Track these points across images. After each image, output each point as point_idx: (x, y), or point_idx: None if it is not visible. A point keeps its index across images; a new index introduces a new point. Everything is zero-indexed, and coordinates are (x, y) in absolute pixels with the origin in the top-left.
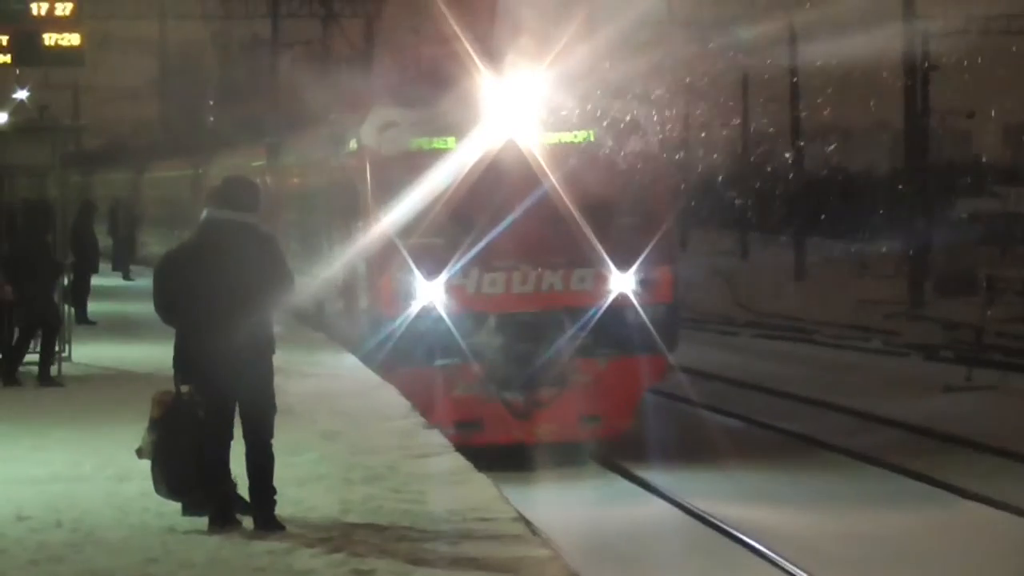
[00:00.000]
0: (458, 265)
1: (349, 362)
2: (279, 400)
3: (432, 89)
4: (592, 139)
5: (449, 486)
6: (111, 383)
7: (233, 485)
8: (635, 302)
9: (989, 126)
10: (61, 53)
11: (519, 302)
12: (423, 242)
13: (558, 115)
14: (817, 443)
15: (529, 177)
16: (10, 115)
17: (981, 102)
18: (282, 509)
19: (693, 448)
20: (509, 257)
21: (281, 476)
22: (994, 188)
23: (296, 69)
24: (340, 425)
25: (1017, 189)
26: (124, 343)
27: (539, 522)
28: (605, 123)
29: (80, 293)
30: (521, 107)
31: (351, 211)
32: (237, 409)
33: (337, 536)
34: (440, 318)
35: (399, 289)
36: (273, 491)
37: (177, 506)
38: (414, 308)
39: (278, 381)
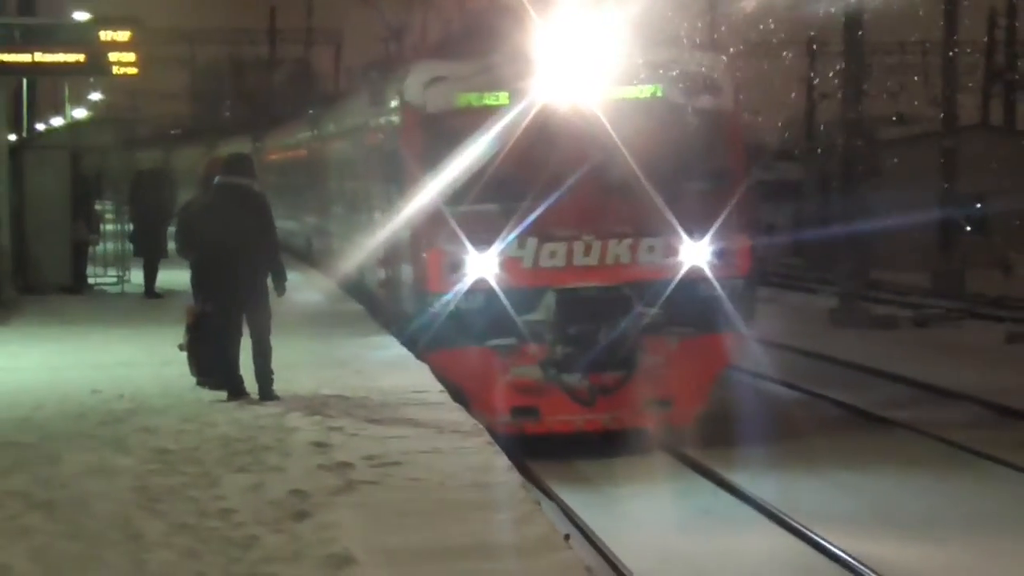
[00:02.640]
0: (513, 235)
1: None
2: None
3: (482, 40)
4: (660, 94)
5: (396, 370)
6: (156, 298)
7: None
8: (709, 275)
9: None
10: (121, 67)
11: (581, 276)
12: (473, 210)
13: (622, 67)
14: (938, 438)
15: (591, 136)
16: (87, 111)
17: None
18: (276, 386)
19: (784, 441)
20: (570, 226)
21: (275, 364)
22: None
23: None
24: (317, 330)
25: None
26: (164, 269)
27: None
28: (674, 76)
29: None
30: (581, 58)
31: (394, 176)
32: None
33: (316, 404)
34: (493, 294)
35: (447, 262)
36: (270, 372)
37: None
38: (464, 283)
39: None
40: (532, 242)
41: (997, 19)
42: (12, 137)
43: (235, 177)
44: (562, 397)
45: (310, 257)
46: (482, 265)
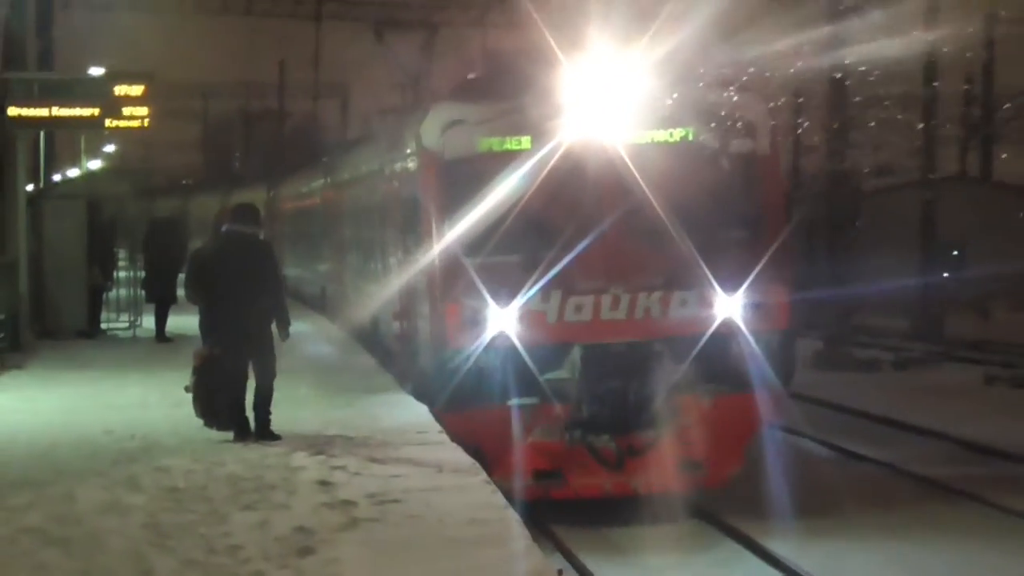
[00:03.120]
0: (536, 288)
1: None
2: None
3: (503, 82)
4: (691, 138)
5: (396, 409)
6: (166, 343)
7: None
8: (745, 329)
9: None
10: (135, 119)
11: (609, 331)
12: (494, 261)
13: (651, 109)
14: (910, 473)
15: (619, 183)
16: (103, 162)
17: None
18: (283, 426)
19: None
20: (597, 278)
21: (282, 401)
22: None
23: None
24: (323, 372)
25: None
26: (174, 314)
27: None
28: (706, 118)
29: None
30: (608, 100)
31: (411, 225)
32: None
33: (321, 443)
34: (514, 350)
35: (466, 316)
36: (269, 413)
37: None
38: (484, 338)
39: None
40: (557, 295)
41: (974, 75)
42: (30, 187)
43: (242, 226)
44: (588, 460)
45: (323, 306)
46: (503, 319)
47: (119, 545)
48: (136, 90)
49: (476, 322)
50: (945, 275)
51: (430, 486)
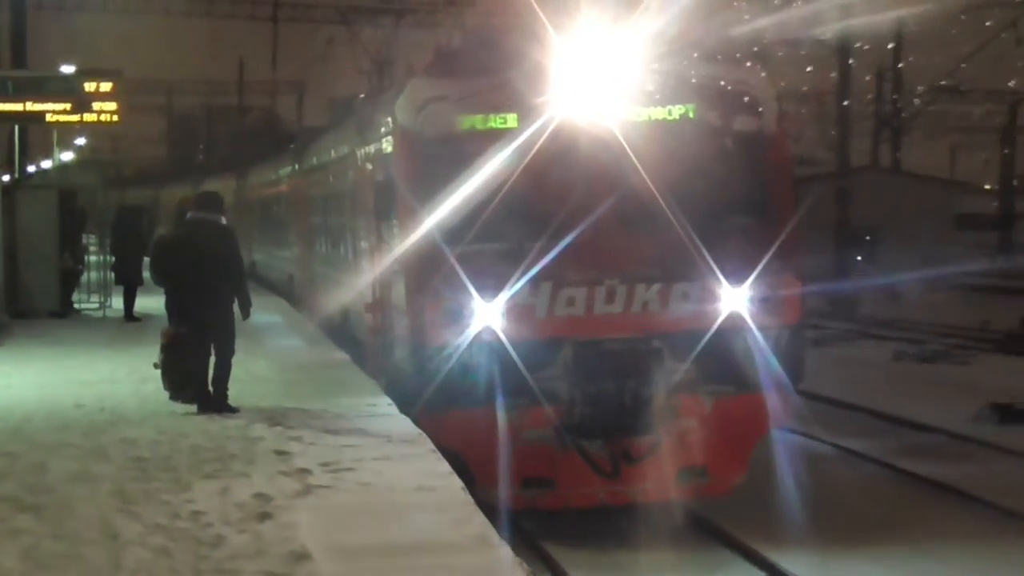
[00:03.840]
0: (524, 279)
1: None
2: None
3: (486, 55)
4: (692, 115)
5: (349, 387)
6: (134, 322)
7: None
8: (752, 324)
9: None
10: (104, 114)
11: (603, 326)
12: (478, 249)
13: (648, 84)
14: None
15: (614, 165)
16: (74, 154)
17: None
18: (245, 400)
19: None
20: (590, 269)
21: (242, 378)
22: None
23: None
24: (282, 351)
25: None
26: (141, 296)
27: None
28: (708, 94)
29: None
30: (601, 74)
31: (385, 210)
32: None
33: (278, 416)
34: (501, 347)
35: (447, 310)
36: (227, 387)
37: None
38: (467, 335)
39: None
40: (547, 287)
41: (884, 72)
42: (6, 178)
43: (204, 213)
44: (581, 466)
45: (291, 294)
46: (488, 313)
47: (88, 511)
48: (105, 86)
49: (458, 316)
50: (858, 258)
51: (380, 455)
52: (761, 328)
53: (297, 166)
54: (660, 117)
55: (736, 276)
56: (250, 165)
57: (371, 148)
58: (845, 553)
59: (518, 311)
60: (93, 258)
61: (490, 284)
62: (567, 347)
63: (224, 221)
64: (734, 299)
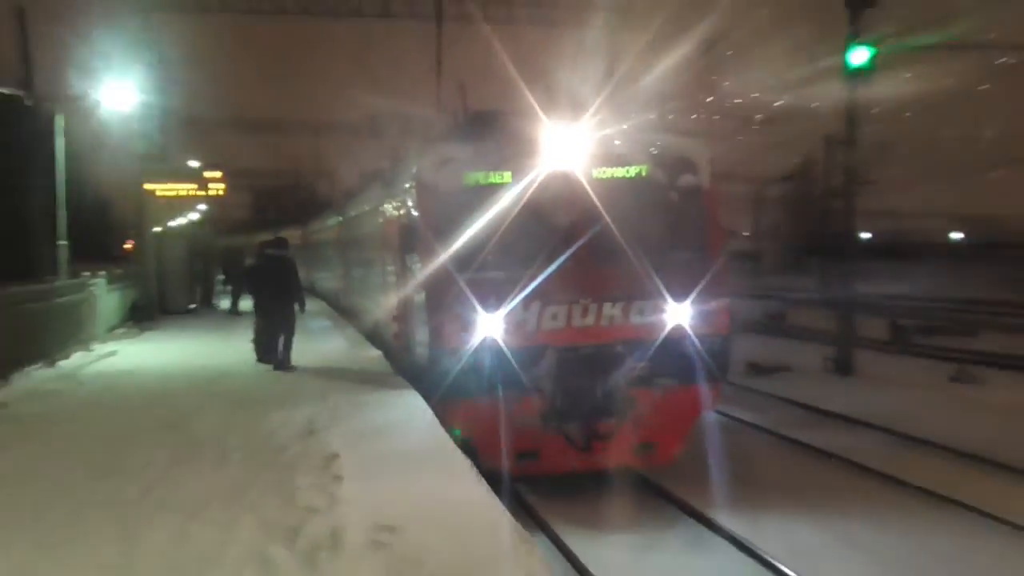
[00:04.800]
0: (518, 299)
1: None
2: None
3: (485, 127)
4: (644, 174)
5: (372, 364)
6: (232, 319)
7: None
8: (692, 333)
9: None
10: (215, 191)
11: (579, 335)
12: (482, 276)
13: (611, 150)
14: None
15: (586, 211)
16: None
17: None
18: (303, 365)
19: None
20: (569, 291)
21: (301, 353)
22: None
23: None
24: (328, 341)
25: None
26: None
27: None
28: (656, 157)
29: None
30: (574, 142)
31: (412, 247)
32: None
33: (322, 375)
34: (500, 351)
35: (459, 323)
36: (290, 355)
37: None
38: (474, 341)
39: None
40: (535, 305)
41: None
42: (157, 229)
43: (275, 250)
44: (561, 443)
45: (338, 306)
46: (490, 326)
47: (206, 430)
48: (216, 174)
49: (467, 328)
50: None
51: (387, 400)
52: (699, 336)
53: (340, 217)
54: (621, 175)
55: (680, 296)
56: (309, 218)
57: (398, 199)
58: (745, 491)
59: (514, 323)
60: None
61: (492, 303)
62: (550, 352)
63: (288, 255)
64: (678, 314)
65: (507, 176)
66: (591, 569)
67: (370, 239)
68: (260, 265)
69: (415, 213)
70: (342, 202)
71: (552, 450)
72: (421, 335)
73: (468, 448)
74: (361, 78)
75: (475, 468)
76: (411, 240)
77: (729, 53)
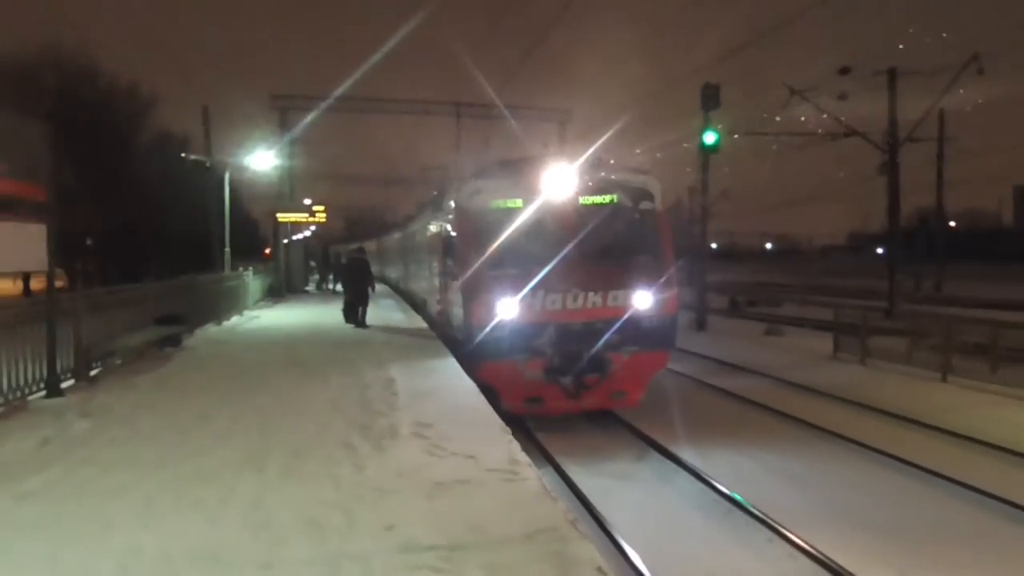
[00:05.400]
0: (528, 289)
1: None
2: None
3: (504, 169)
4: (616, 201)
5: (420, 329)
6: (325, 299)
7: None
8: (650, 313)
9: None
10: (320, 217)
11: (571, 315)
12: (504, 273)
13: (593, 184)
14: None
15: (576, 227)
16: (309, 232)
17: None
18: (375, 325)
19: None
20: (564, 284)
21: (374, 319)
22: None
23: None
24: (392, 315)
25: None
26: (337, 293)
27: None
28: (623, 189)
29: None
30: (567, 178)
31: (453, 252)
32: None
33: (388, 332)
34: (515, 326)
35: (487, 306)
36: (365, 318)
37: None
38: (497, 319)
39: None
40: (540, 294)
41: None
42: (285, 241)
43: (358, 254)
44: (558, 391)
45: (400, 292)
46: (509, 309)
47: (315, 365)
48: (320, 207)
49: (492, 310)
50: None
51: (428, 350)
52: (655, 316)
53: (402, 232)
54: (600, 202)
55: (643, 288)
56: (381, 234)
57: (442, 218)
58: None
59: (526, 306)
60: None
61: (510, 292)
62: (551, 327)
63: (364, 257)
64: (642, 300)
65: (519, 202)
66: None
67: (421, 246)
68: (348, 263)
69: (454, 228)
70: (403, 223)
71: (551, 397)
72: (459, 315)
73: (492, 393)
74: (413, 144)
75: (480, 391)
76: (451, 247)
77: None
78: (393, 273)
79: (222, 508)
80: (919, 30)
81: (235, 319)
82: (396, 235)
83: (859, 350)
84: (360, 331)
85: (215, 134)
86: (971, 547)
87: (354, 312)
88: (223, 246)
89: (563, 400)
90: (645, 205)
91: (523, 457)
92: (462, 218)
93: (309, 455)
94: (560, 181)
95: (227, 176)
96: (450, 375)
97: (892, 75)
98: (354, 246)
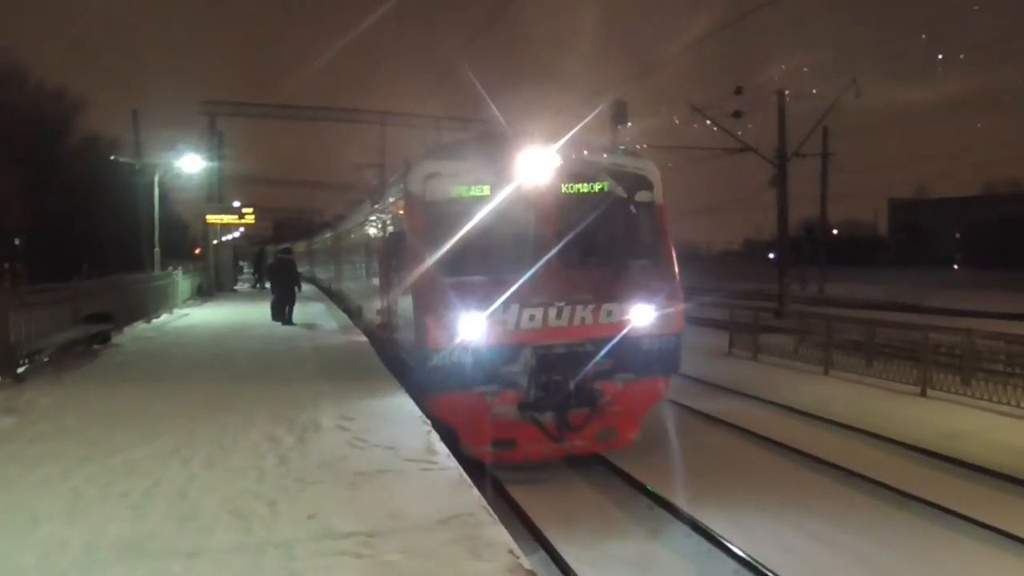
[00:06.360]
0: (499, 301)
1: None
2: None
3: (467, 148)
4: (606, 189)
5: (347, 325)
6: (254, 297)
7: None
8: (651, 332)
9: None
10: (248, 219)
11: (554, 335)
12: (467, 280)
13: (578, 168)
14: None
15: (558, 221)
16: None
17: None
18: (299, 323)
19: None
20: (544, 294)
21: (299, 318)
22: None
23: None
24: (315, 314)
25: None
26: (264, 291)
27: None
28: (616, 175)
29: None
30: (546, 160)
31: (400, 252)
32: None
33: (312, 329)
34: (483, 349)
35: (446, 322)
36: (292, 317)
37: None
38: (459, 340)
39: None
40: (515, 308)
41: None
42: (215, 242)
43: (284, 255)
44: (536, 432)
45: (331, 295)
46: (473, 326)
47: (242, 360)
48: (249, 210)
49: (452, 328)
50: None
51: (351, 345)
52: (657, 335)
53: (334, 231)
54: (587, 190)
55: (639, 299)
56: (312, 235)
57: (386, 210)
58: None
59: (495, 324)
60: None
61: (474, 304)
62: (527, 349)
63: (291, 257)
64: (641, 316)
65: (486, 190)
66: None
67: (358, 245)
68: (274, 263)
69: (403, 223)
70: (335, 222)
71: (527, 438)
72: (407, 332)
73: (451, 435)
74: (347, 149)
75: (402, 386)
76: (398, 245)
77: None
78: (324, 275)
79: (148, 500)
80: (807, 55)
81: (164, 317)
82: (327, 234)
83: (751, 347)
84: (287, 328)
85: (145, 137)
86: (827, 518)
87: (281, 310)
88: (153, 246)
89: (542, 443)
90: (642, 196)
91: (442, 448)
92: (414, 209)
93: (234, 448)
94: (538, 164)
95: (156, 178)
96: (370, 370)
97: (781, 96)
98: (281, 247)
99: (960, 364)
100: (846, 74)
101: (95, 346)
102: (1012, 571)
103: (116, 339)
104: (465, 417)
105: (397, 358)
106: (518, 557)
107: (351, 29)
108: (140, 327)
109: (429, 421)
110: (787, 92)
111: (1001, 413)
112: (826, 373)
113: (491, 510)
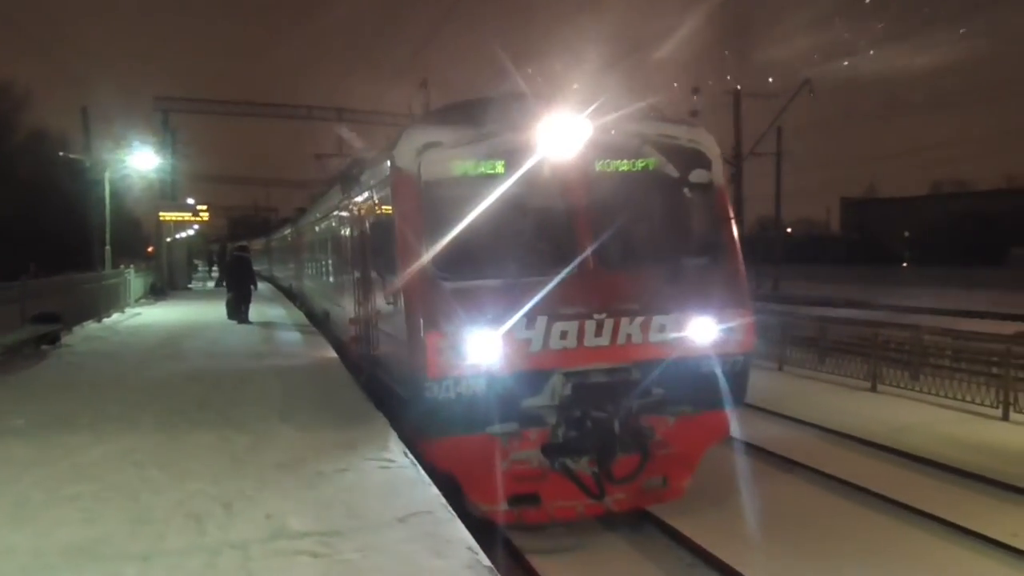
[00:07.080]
0: (519, 313)
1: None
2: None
3: (477, 111)
4: (652, 168)
5: (304, 325)
6: (209, 296)
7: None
8: (714, 352)
9: None
10: (203, 217)
11: (592, 357)
12: (475, 285)
13: (617, 140)
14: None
15: (593, 209)
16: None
17: None
18: (255, 322)
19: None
20: (580, 303)
21: (256, 318)
22: None
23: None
24: (276, 317)
25: None
26: (219, 290)
27: None
28: (665, 149)
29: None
30: (579, 130)
31: (386, 247)
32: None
33: (270, 328)
34: (497, 379)
35: (448, 341)
36: (248, 315)
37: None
38: (464, 367)
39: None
40: (541, 322)
41: None
42: (169, 239)
43: (241, 252)
44: (567, 484)
45: (292, 295)
46: (485, 346)
47: (196, 359)
48: (203, 207)
49: (457, 347)
50: None
51: (304, 339)
52: (719, 355)
53: (292, 227)
54: (627, 168)
55: (699, 309)
56: (270, 232)
57: (363, 195)
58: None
59: (513, 343)
60: (202, 269)
61: (488, 319)
62: (557, 376)
63: (247, 256)
64: (699, 330)
65: (500, 166)
66: None
67: (324, 239)
68: (231, 260)
69: (389, 206)
70: (296, 216)
71: (555, 492)
72: (395, 351)
73: (453, 487)
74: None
75: (338, 357)
76: (383, 237)
77: None
78: (283, 274)
79: (99, 504)
80: (762, 57)
81: (116, 316)
82: (287, 230)
83: None
84: (243, 327)
85: (96, 134)
86: (796, 519)
87: (238, 309)
88: (104, 244)
89: (575, 498)
90: (698, 176)
91: (400, 446)
92: (404, 192)
93: (188, 449)
94: (565, 133)
95: (107, 175)
96: (314, 347)
97: (737, 96)
98: (237, 244)
99: (908, 360)
100: (801, 73)
101: (43, 347)
102: (955, 559)
103: (66, 339)
104: (473, 465)
105: (378, 381)
106: (476, 553)
107: (312, 23)
108: (91, 327)
109: (387, 420)
110: (739, 87)
111: (947, 407)
112: (780, 369)
113: (450, 508)
